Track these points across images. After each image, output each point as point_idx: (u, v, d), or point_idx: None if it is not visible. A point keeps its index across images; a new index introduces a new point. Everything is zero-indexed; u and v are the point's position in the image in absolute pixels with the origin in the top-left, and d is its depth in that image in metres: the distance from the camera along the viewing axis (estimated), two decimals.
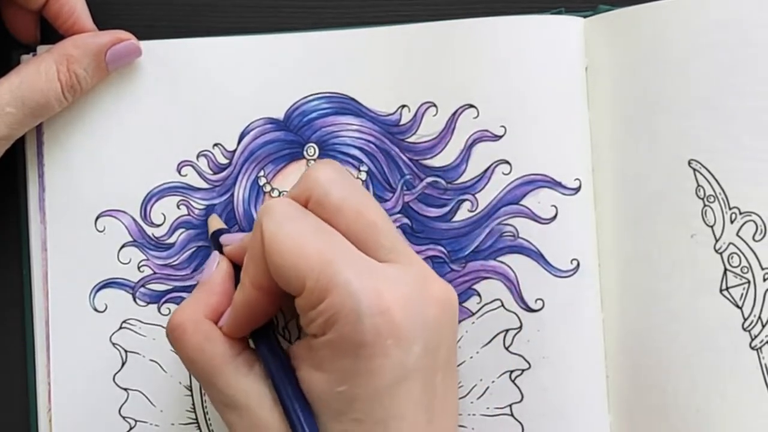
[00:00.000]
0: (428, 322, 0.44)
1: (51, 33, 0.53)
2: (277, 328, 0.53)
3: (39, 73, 0.51)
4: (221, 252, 0.50)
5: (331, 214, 0.45)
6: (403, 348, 0.43)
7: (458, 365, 0.52)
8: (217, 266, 0.49)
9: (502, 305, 0.52)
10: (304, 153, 0.53)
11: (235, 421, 0.46)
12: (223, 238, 0.50)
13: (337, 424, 0.44)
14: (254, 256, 0.45)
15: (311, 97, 0.54)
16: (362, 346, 0.43)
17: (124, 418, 0.53)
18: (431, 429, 0.45)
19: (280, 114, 0.54)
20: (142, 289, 0.53)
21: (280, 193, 0.53)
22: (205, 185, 0.54)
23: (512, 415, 0.52)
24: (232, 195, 0.53)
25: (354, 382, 0.43)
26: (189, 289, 0.53)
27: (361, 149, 0.53)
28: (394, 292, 0.43)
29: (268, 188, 0.53)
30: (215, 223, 0.52)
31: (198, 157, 0.54)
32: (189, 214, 0.53)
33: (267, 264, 0.44)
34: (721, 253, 0.50)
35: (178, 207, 0.53)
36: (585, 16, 0.53)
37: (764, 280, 0.49)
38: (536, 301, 0.52)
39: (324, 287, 0.43)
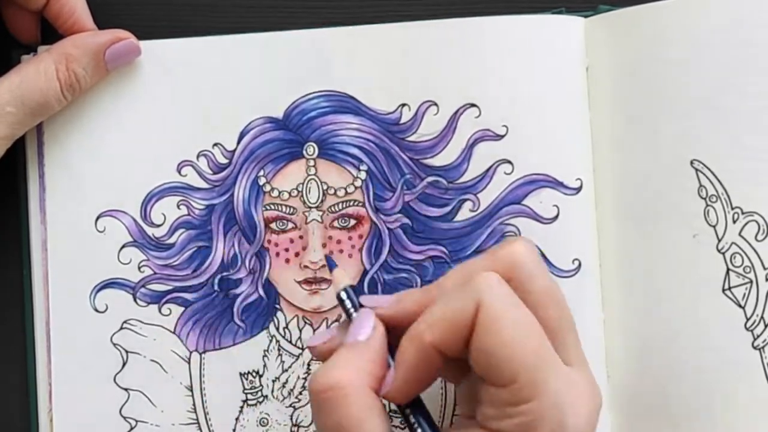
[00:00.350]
0: (595, 425, 0.44)
1: (51, 33, 0.53)
2: (278, 328, 0.53)
3: (38, 72, 0.51)
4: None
5: (533, 301, 0.43)
6: None
7: None
8: (373, 330, 0.45)
9: None
10: (304, 152, 0.53)
11: None
12: (367, 300, 0.47)
13: None
14: (455, 324, 0.42)
15: (310, 96, 0.53)
16: None
17: (124, 418, 0.53)
18: None
19: (279, 113, 0.53)
20: (142, 290, 0.53)
21: (280, 192, 0.53)
22: (205, 185, 0.53)
23: None
24: (232, 195, 0.53)
25: None
26: (189, 289, 0.53)
27: (360, 148, 0.53)
28: (587, 406, 0.43)
29: (268, 188, 0.53)
30: (343, 278, 0.48)
31: (198, 156, 0.53)
32: (189, 214, 0.53)
33: (467, 338, 0.42)
34: (723, 253, 0.50)
35: (178, 207, 0.53)
36: (586, 16, 0.53)
37: (766, 279, 0.49)
38: None
39: (534, 389, 0.41)
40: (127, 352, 0.53)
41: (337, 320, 0.53)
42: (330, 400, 0.42)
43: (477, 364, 0.42)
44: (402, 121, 0.53)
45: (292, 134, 0.53)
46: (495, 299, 0.42)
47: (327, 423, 0.43)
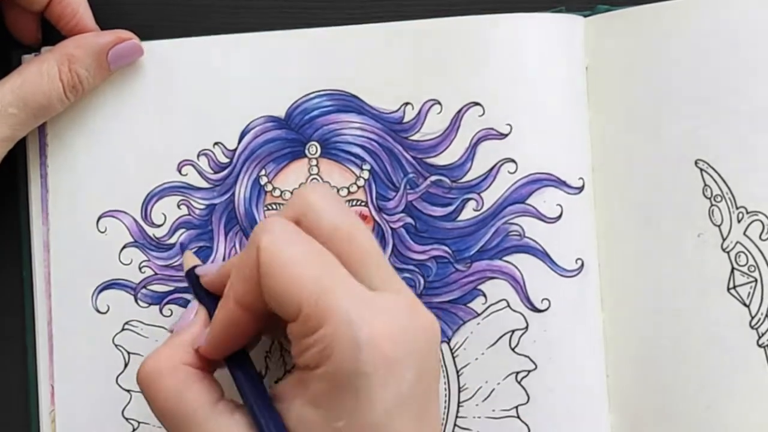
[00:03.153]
0: (418, 351, 0.43)
1: (52, 34, 0.53)
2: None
3: (41, 73, 0.51)
4: (197, 291, 0.49)
5: (323, 239, 0.44)
6: (397, 377, 0.42)
7: (463, 367, 0.52)
8: (195, 315, 0.48)
9: (508, 305, 0.52)
10: (306, 152, 0.53)
11: None
12: (200, 270, 0.49)
13: None
14: (245, 274, 0.44)
15: (313, 95, 0.53)
16: (361, 376, 0.41)
17: (127, 419, 0.53)
18: None
19: (281, 112, 0.53)
20: (143, 291, 0.53)
21: (282, 192, 0.53)
22: (205, 185, 0.53)
23: (518, 417, 0.52)
24: (233, 194, 0.53)
25: (352, 415, 0.42)
26: (190, 290, 0.53)
27: (363, 147, 0.53)
28: (388, 321, 0.42)
29: (269, 187, 0.53)
30: (190, 260, 0.51)
31: (198, 156, 0.53)
32: (190, 214, 0.53)
33: (259, 284, 0.43)
34: (728, 252, 0.50)
35: (178, 207, 0.53)
36: (585, 16, 0.53)
37: None
38: (542, 301, 0.52)
39: (321, 315, 0.41)
40: (128, 353, 0.53)
41: None
42: (149, 385, 0.44)
43: (271, 306, 0.43)
44: (405, 120, 0.53)
45: (294, 133, 0.53)
46: (270, 240, 0.43)
47: (154, 409, 0.45)
